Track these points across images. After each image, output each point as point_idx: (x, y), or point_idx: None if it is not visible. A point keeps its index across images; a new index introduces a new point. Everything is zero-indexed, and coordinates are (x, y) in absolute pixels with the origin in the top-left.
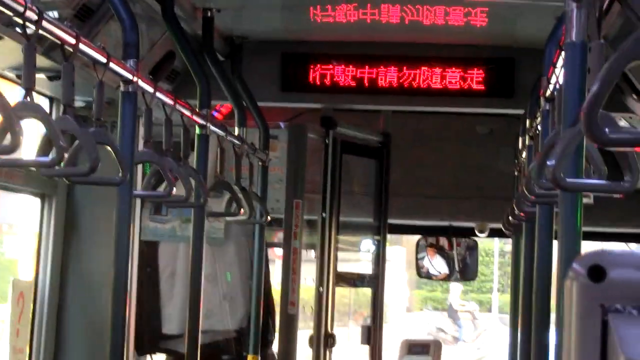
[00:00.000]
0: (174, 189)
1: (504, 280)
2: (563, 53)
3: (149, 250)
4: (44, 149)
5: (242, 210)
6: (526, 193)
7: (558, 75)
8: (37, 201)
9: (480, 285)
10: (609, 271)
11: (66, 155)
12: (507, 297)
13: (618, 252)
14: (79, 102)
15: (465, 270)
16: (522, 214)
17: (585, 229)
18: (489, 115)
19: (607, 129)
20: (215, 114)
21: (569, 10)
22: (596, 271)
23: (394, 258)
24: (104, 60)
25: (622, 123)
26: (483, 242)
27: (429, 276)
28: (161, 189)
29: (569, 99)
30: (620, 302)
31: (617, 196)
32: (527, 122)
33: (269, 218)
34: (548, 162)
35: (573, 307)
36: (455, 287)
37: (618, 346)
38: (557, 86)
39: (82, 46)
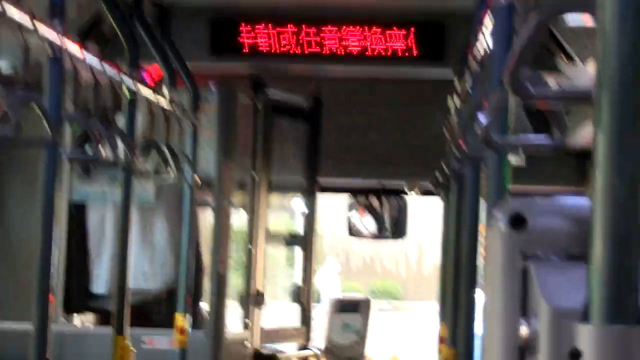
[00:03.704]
0: (102, 150)
1: None
2: (492, 15)
3: (78, 212)
4: None
5: (172, 171)
6: (455, 151)
7: (486, 38)
8: None
9: None
10: (530, 219)
11: None
12: None
13: (539, 201)
14: (5, 65)
15: (395, 228)
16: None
17: (515, 188)
18: (419, 80)
19: (529, 85)
20: (147, 78)
21: None
22: (517, 219)
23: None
24: (29, 22)
25: (552, 83)
26: None
27: (359, 234)
28: (90, 151)
29: (497, 61)
30: (541, 250)
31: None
32: (457, 84)
33: (197, 179)
34: (480, 121)
35: (495, 255)
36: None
37: (538, 292)
38: (486, 49)
39: (6, 7)
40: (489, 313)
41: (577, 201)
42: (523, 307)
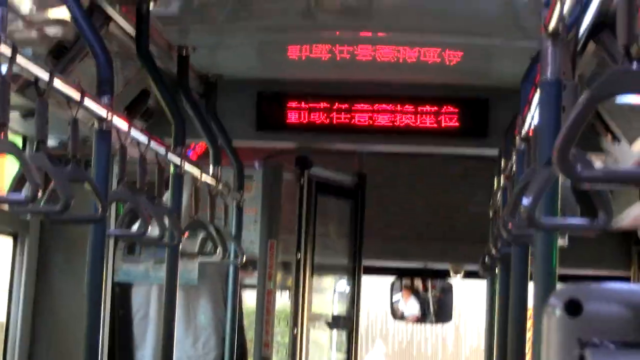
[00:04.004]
0: (149, 228)
1: None
2: (538, 91)
3: (122, 292)
4: (16, 187)
5: (217, 250)
6: (502, 232)
7: (533, 114)
8: (9, 241)
9: None
10: (586, 305)
11: (40, 194)
12: None
13: (594, 287)
14: (52, 142)
15: (439, 312)
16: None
17: (559, 271)
18: (463, 156)
19: (579, 167)
20: (190, 153)
21: (544, 48)
22: (573, 305)
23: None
24: (78, 97)
25: (598, 164)
26: None
27: (403, 317)
28: (135, 228)
29: (544, 137)
30: (597, 336)
31: (590, 236)
32: (502, 162)
33: (244, 259)
34: (523, 201)
35: (550, 342)
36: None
37: None
38: (533, 125)
39: (56, 82)
40: None
41: (632, 287)
42: None
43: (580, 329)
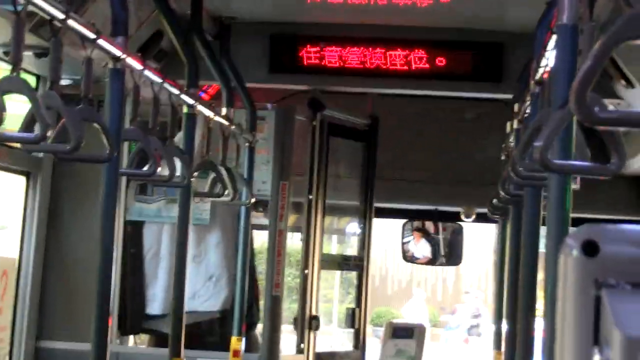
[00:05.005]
0: (159, 168)
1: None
2: (554, 36)
3: (134, 231)
4: (28, 126)
5: (226, 191)
6: (512, 174)
7: (548, 59)
8: (21, 180)
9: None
10: (602, 246)
11: (50, 133)
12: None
13: (611, 228)
14: (66, 81)
15: (450, 254)
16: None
17: (572, 215)
18: (476, 99)
19: (596, 108)
20: (202, 95)
21: None
22: (590, 246)
23: None
24: (92, 36)
25: (611, 108)
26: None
27: (413, 259)
28: (146, 168)
29: (559, 81)
30: (613, 277)
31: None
32: (516, 106)
33: (253, 200)
34: (535, 143)
35: (566, 283)
36: None
37: (612, 321)
38: (548, 69)
39: (70, 22)
40: (560, 341)
41: None
42: (595, 336)
43: (597, 270)
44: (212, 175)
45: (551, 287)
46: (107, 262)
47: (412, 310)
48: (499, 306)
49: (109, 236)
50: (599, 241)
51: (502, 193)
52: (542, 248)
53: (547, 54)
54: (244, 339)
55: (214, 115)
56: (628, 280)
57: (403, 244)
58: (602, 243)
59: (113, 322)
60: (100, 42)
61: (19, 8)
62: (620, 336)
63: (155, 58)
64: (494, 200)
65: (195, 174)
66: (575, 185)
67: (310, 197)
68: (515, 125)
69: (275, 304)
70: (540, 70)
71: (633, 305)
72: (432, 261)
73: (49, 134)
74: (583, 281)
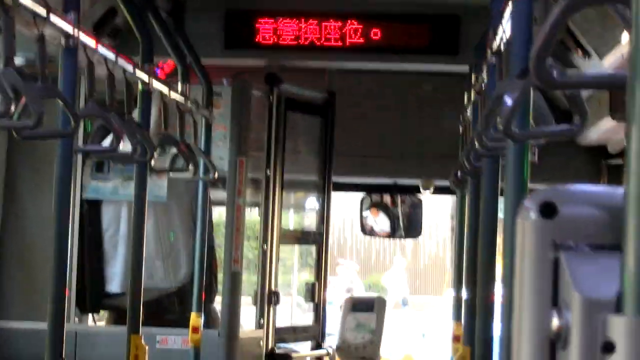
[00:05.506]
0: (117, 144)
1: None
2: (510, 5)
3: (92, 209)
4: None
5: (188, 166)
6: (475, 145)
7: (505, 28)
8: None
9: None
10: (561, 207)
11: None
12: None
13: (570, 189)
14: (19, 60)
15: (409, 227)
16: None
17: (531, 186)
18: (434, 73)
19: (555, 73)
20: (158, 72)
21: None
22: (547, 207)
23: None
24: (44, 13)
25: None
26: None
27: (372, 233)
28: (107, 144)
29: (517, 50)
30: (572, 239)
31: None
32: (473, 77)
33: (216, 174)
34: (500, 112)
35: (524, 246)
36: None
37: (570, 283)
38: (504, 39)
39: None
40: (518, 305)
41: (607, 189)
42: (554, 299)
43: (555, 232)
44: (171, 151)
45: (509, 253)
46: (63, 241)
47: (391, 279)
48: (458, 276)
49: (64, 215)
50: (558, 202)
51: (465, 164)
52: (501, 216)
53: (503, 23)
54: (203, 315)
55: (170, 92)
56: (587, 241)
57: (362, 218)
58: (560, 204)
59: (71, 300)
60: (52, 18)
61: None
62: (579, 298)
63: (111, 35)
64: (458, 172)
65: (155, 150)
66: (532, 158)
67: (268, 172)
68: (472, 97)
69: (234, 279)
70: (497, 40)
71: (591, 267)
72: (391, 234)
73: (11, 109)
74: (541, 244)
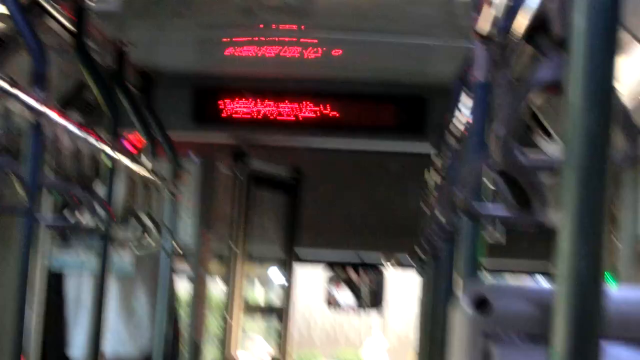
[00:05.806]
0: (81, 218)
1: None
2: (470, 91)
3: (57, 280)
4: None
5: (151, 240)
6: (433, 225)
7: (463, 114)
8: None
9: None
10: (494, 302)
11: None
12: None
13: (502, 285)
14: None
15: (372, 299)
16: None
17: (491, 262)
18: (400, 153)
19: (518, 155)
20: (130, 147)
21: (476, 51)
22: (481, 303)
23: None
24: (8, 88)
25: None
26: None
27: (337, 306)
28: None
29: (476, 134)
30: (504, 331)
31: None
32: (437, 160)
33: (178, 249)
34: (458, 193)
35: (458, 337)
36: None
37: None
38: (464, 122)
39: None
40: None
41: (541, 286)
42: None
43: (488, 325)
44: (135, 224)
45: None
46: (21, 309)
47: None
48: (421, 354)
49: (23, 285)
50: (491, 298)
51: (423, 243)
52: None
53: (463, 108)
54: None
55: (136, 166)
56: (518, 333)
57: (327, 291)
58: (493, 300)
59: None
60: (19, 95)
61: None
62: None
63: (84, 110)
64: (416, 249)
65: (118, 223)
66: (497, 236)
67: (232, 246)
68: (435, 177)
69: (196, 348)
70: (458, 124)
71: (521, 358)
72: (356, 307)
73: None
74: (473, 336)
